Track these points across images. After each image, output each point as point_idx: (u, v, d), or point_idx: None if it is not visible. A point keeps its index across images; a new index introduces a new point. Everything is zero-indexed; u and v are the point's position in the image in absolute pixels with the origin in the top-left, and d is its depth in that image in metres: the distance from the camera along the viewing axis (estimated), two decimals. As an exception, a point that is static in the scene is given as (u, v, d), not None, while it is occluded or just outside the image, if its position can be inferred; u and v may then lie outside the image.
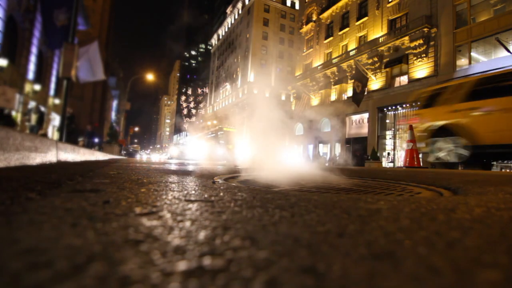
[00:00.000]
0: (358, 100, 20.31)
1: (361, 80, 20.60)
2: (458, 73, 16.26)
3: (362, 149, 21.45)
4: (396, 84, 20.63)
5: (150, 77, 26.66)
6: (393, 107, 20.29)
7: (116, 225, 0.69)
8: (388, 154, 19.15)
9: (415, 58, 18.79)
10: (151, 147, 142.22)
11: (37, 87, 17.56)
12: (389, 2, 21.69)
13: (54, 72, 20.04)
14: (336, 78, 25.61)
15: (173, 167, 4.81)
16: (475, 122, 4.53)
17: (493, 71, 7.02)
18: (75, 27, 7.93)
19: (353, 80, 22.27)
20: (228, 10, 58.54)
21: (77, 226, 0.66)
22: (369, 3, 23.56)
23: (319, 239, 0.61)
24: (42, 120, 12.80)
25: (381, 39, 21.14)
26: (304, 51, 31.76)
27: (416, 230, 0.71)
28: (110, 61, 33.74)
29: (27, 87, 16.68)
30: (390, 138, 20.93)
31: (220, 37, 63.67)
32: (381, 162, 18.19)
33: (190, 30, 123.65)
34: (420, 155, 6.24)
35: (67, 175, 2.04)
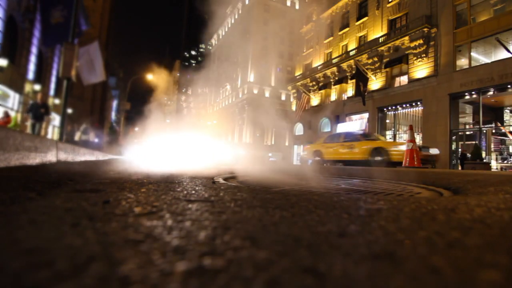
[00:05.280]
0: (362, 98, 20.24)
1: (362, 80, 20.59)
2: (458, 73, 16.26)
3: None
4: (396, 84, 20.60)
5: (150, 77, 26.65)
6: (393, 107, 20.28)
7: (116, 225, 0.69)
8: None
9: (415, 58, 18.78)
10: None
11: (37, 87, 17.56)
12: (389, 2, 21.67)
13: (54, 72, 20.04)
14: (336, 78, 25.61)
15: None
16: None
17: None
18: (75, 27, 7.92)
19: (354, 80, 22.27)
20: (228, 10, 58.53)
21: (77, 226, 0.66)
22: (369, 3, 23.53)
23: (319, 239, 0.61)
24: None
25: (381, 39, 21.11)
26: (304, 51, 31.74)
27: (416, 230, 0.71)
28: (110, 61, 33.76)
29: (27, 87, 16.67)
30: (390, 138, 20.92)
31: (220, 37, 63.64)
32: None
33: (190, 30, 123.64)
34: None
35: (67, 175, 2.04)
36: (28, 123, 9.15)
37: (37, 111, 8.95)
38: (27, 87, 16.73)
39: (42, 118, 9.15)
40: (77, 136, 11.75)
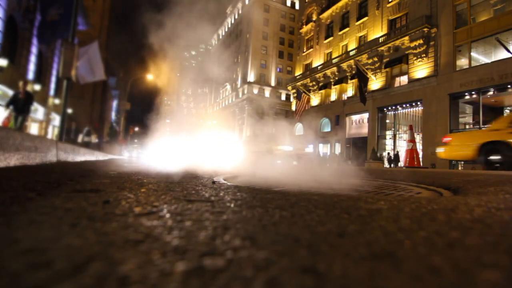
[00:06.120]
0: (363, 99, 20.24)
1: (362, 80, 20.59)
2: (458, 73, 16.26)
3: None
4: (396, 84, 20.62)
5: (150, 77, 26.64)
6: (393, 107, 20.28)
7: (116, 225, 0.69)
8: (388, 154, 19.18)
9: (415, 58, 18.78)
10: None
11: (37, 87, 17.54)
12: (389, 2, 21.68)
13: (54, 72, 20.02)
14: (336, 78, 25.60)
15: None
16: None
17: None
18: (75, 27, 7.91)
19: (353, 80, 22.27)
20: (228, 10, 58.51)
21: (77, 226, 0.66)
22: (369, 3, 23.54)
23: (319, 239, 0.61)
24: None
25: (381, 39, 21.12)
26: (304, 51, 31.74)
27: (416, 230, 0.71)
28: (110, 61, 33.74)
29: (27, 88, 16.66)
30: (390, 138, 20.93)
31: (220, 37, 63.65)
32: (382, 162, 18.17)
33: (190, 29, 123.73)
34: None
35: (67, 175, 2.04)
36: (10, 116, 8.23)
37: (19, 103, 8.09)
38: (27, 88, 16.71)
39: (26, 110, 8.27)
40: (80, 138, 12.31)
